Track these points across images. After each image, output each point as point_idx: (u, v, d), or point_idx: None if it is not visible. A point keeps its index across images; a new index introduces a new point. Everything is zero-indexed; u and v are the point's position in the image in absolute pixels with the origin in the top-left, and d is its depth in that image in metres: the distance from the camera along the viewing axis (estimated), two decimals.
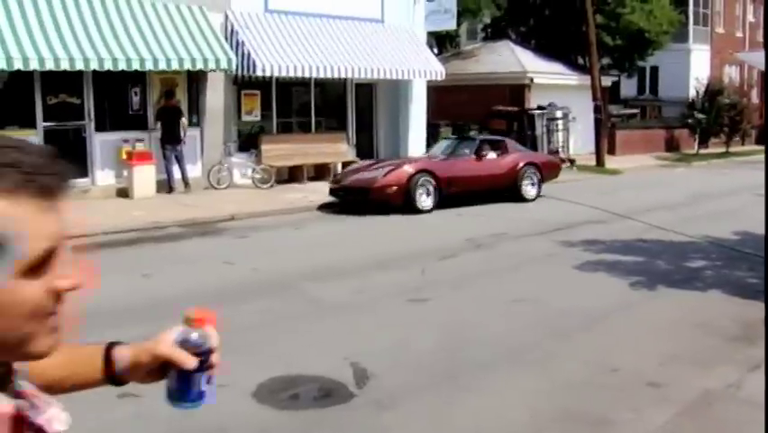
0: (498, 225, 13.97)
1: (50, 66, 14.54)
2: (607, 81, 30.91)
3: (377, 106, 22.74)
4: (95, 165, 16.72)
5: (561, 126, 27.12)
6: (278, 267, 10.35)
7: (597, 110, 26.70)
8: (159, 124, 16.92)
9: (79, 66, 14.88)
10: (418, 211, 15.22)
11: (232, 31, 18.11)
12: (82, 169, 16.45)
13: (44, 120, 15.97)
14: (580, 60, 33.27)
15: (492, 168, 16.88)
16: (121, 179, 16.62)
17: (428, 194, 15.60)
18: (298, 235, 12.99)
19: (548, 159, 19.44)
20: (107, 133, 16.91)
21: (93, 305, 8.75)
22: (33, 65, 14.37)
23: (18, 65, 14.19)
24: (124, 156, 16.68)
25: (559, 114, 26.98)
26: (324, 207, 15.91)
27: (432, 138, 23.60)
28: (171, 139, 16.90)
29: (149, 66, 15.76)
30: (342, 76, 19.44)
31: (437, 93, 24.60)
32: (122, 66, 15.36)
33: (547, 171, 18.18)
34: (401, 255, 11.08)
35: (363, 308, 8.29)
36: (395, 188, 15.18)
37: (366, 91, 22.34)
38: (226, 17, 18.21)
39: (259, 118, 19.76)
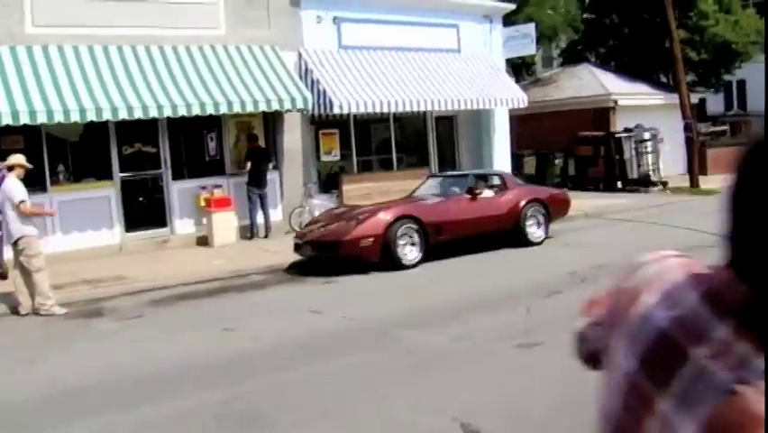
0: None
1: (123, 115, 14.18)
2: (693, 98, 29.61)
3: (458, 139, 22.02)
4: (173, 214, 16.30)
5: (650, 148, 25.97)
6: (368, 313, 9.60)
7: (687, 128, 25.48)
8: (248, 165, 16.45)
9: (153, 113, 14.49)
10: (401, 266, 12.64)
11: (306, 69, 17.61)
12: (161, 218, 16.04)
13: (121, 171, 15.64)
14: (663, 79, 32.22)
15: (489, 208, 14.25)
16: (200, 227, 16.15)
17: (413, 244, 13.01)
18: (386, 278, 12.24)
19: (555, 193, 16.29)
20: (185, 181, 16.50)
21: (171, 364, 8.34)
22: (107, 115, 14.02)
23: (91, 116, 13.86)
24: (203, 203, 16.23)
25: (647, 135, 25.86)
26: None
27: (516, 169, 22.75)
28: (258, 182, 16.44)
29: (223, 109, 15.30)
30: (422, 109, 18.76)
31: (518, 122, 23.82)
32: (196, 111, 14.93)
33: (555, 208, 15.39)
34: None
35: (466, 357, 7.45)
36: (370, 239, 12.55)
37: (446, 124, 21.65)
38: (300, 56, 17.73)
39: (338, 158, 19.17)
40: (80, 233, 15.11)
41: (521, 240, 14.40)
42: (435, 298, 10.34)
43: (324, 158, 18.95)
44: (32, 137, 14.62)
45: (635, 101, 28.23)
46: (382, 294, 10.97)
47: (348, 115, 18.36)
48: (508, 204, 14.50)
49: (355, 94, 17.43)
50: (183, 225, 16.30)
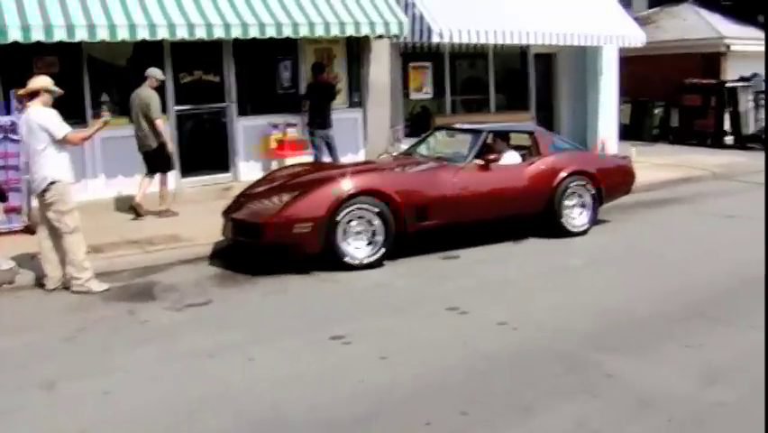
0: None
1: (182, 34, 11.39)
2: None
3: (557, 81, 19.02)
4: (237, 157, 13.59)
5: None
6: (531, 317, 6.82)
7: None
8: (307, 105, 13.69)
9: (218, 33, 11.69)
10: (346, 266, 8.54)
11: None
12: (223, 161, 13.34)
13: (176, 103, 12.93)
14: None
15: (507, 180, 9.91)
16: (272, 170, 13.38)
17: (372, 236, 8.78)
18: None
19: (611, 164, 11.51)
20: (252, 118, 13.73)
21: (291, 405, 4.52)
22: (162, 33, 11.24)
23: (143, 34, 11.10)
24: (274, 145, 13.53)
25: None
26: None
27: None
28: (321, 123, 13.62)
29: (303, 32, 12.43)
30: (530, 41, 15.70)
31: None
32: (270, 32, 12.08)
33: (610, 185, 10.81)
34: None
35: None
36: (307, 225, 8.43)
37: (543, 62, 18.66)
38: None
39: (430, 95, 16.34)
40: (126, 177, 12.45)
41: (554, 228, 10.26)
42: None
43: (414, 95, 16.14)
44: (69, 59, 11.94)
45: (749, 46, 24.91)
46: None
47: (443, 46, 15.49)
48: (538, 176, 10.14)
49: (457, 22, 14.48)
50: (249, 171, 13.51)
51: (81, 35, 10.69)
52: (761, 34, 26.24)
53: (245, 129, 13.60)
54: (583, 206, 10.53)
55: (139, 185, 11.66)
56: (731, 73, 23.84)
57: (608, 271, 8.55)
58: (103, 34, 10.81)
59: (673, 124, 23.77)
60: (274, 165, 13.43)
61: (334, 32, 12.72)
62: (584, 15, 16.97)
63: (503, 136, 10.89)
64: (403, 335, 6.35)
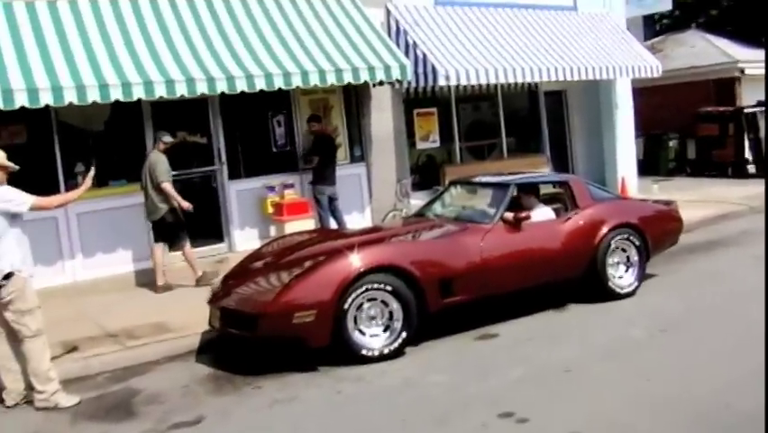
0: None
1: (161, 92, 10.05)
2: None
3: (570, 117, 17.77)
4: (231, 224, 12.23)
5: None
6: (611, 421, 5.38)
7: None
8: (315, 160, 12.32)
9: (202, 89, 10.36)
10: (363, 358, 7.07)
11: (397, 30, 13.45)
12: (215, 230, 11.99)
13: None
14: None
15: (544, 241, 8.46)
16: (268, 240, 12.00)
17: (389, 319, 7.28)
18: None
19: (656, 212, 9.92)
20: (245, 180, 12.42)
21: None
22: (138, 92, 9.91)
23: (116, 94, 9.77)
24: (271, 209, 12.16)
25: None
26: None
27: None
28: (330, 178, 12.30)
29: (296, 82, 11.10)
30: (542, 79, 14.37)
31: None
32: (260, 84, 10.76)
33: (657, 236, 9.41)
34: None
35: None
36: (310, 312, 6.91)
37: (554, 100, 17.42)
38: (388, 13, 13.60)
39: (437, 144, 15.01)
40: (106, 254, 11.15)
41: (597, 291, 8.80)
42: None
43: (421, 144, 14.80)
44: (37, 126, 10.74)
45: (763, 70, 23.71)
46: None
47: (449, 89, 14.24)
48: (578, 234, 8.70)
49: (464, 62, 13.21)
50: (245, 239, 12.19)
51: (46, 99, 9.36)
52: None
53: (238, 193, 12.26)
54: (629, 262, 9.10)
55: (154, 262, 10.75)
56: (746, 98, 22.70)
57: (679, 342, 7.11)
58: (70, 97, 9.49)
59: (690, 156, 22.50)
60: (272, 231, 12.11)
61: (331, 80, 11.38)
62: (595, 47, 15.76)
63: (530, 189, 9.45)
64: None
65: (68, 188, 10.64)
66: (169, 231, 10.73)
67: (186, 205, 10.55)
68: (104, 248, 11.13)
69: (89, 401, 6.64)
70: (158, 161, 10.53)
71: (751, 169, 21.13)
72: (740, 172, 20.98)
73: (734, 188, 18.11)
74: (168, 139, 10.78)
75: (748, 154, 21.32)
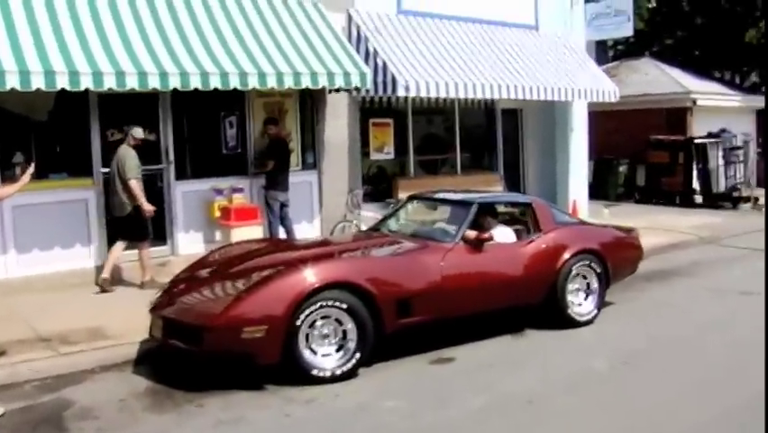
0: None
1: (110, 84, 9.55)
2: None
3: (524, 138, 17.59)
4: (176, 227, 11.74)
5: (741, 157, 21.84)
6: None
7: None
8: (271, 164, 11.89)
9: (153, 83, 9.87)
10: (312, 379, 6.65)
11: (358, 37, 13.10)
12: (158, 232, 11.47)
13: (104, 164, 10.99)
14: (728, 77, 28.20)
15: (505, 264, 8.15)
16: (212, 245, 11.49)
17: (343, 339, 6.89)
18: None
19: (617, 238, 9.67)
20: (193, 182, 11.92)
21: None
22: (86, 82, 9.39)
23: (63, 82, 9.24)
24: (218, 213, 11.69)
25: (739, 141, 21.77)
26: None
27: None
28: (281, 185, 11.89)
29: (252, 83, 10.68)
30: (503, 96, 14.10)
31: None
32: (214, 83, 10.32)
33: (618, 263, 9.19)
34: None
35: None
36: (261, 328, 6.47)
37: (510, 118, 17.23)
38: (350, 18, 13.24)
39: (392, 155, 14.68)
40: (43, 251, 10.58)
41: (555, 317, 8.54)
42: None
43: (375, 155, 14.45)
44: None
45: (713, 101, 23.97)
46: None
47: (405, 100, 13.93)
48: (540, 258, 8.41)
49: (424, 73, 12.91)
50: (190, 242, 11.73)
51: None
52: (723, 89, 25.52)
53: (184, 195, 11.77)
54: (589, 289, 8.85)
55: (108, 256, 10.32)
56: (697, 128, 22.92)
57: (644, 375, 6.86)
58: (13, 81, 8.93)
59: (639, 183, 22.67)
60: (218, 236, 11.64)
61: (288, 83, 10.99)
62: (556, 68, 15.61)
63: (490, 208, 9.15)
64: None
65: (4, 180, 10.11)
66: (133, 229, 10.33)
67: (148, 208, 10.19)
68: (40, 244, 10.55)
69: (15, 413, 6.12)
70: (127, 156, 10.15)
71: (698, 199, 21.28)
72: (687, 201, 21.15)
73: (682, 217, 18.21)
74: (139, 134, 10.39)
75: (696, 184, 21.47)
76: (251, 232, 11.20)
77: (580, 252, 8.66)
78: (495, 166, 16.71)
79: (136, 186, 10.13)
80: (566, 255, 8.53)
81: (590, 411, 5.98)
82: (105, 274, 10.19)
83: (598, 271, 8.82)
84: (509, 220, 9.27)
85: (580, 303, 8.75)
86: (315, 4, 12.43)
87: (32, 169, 6.86)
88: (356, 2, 13.37)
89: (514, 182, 17.10)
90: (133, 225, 10.31)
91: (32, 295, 9.87)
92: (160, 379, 6.89)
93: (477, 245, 7.98)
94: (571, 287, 8.61)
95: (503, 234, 8.59)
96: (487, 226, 8.57)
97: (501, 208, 9.52)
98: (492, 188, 14.73)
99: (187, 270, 8.17)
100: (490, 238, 8.07)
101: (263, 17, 11.66)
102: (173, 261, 11.25)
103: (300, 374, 6.62)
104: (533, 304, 8.41)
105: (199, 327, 6.54)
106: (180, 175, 11.81)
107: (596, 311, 8.80)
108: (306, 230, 12.66)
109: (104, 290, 10.11)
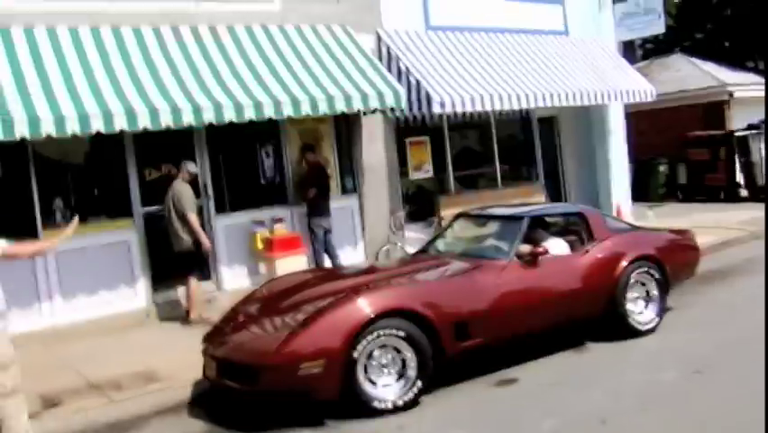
0: None
1: (144, 123, 9.44)
2: None
3: (562, 144, 17.29)
4: (219, 262, 11.60)
5: None
6: None
7: None
8: (313, 192, 11.75)
9: (188, 119, 9.76)
10: (374, 411, 6.43)
11: (389, 56, 12.93)
12: (201, 268, 11.35)
13: (143, 204, 10.96)
14: (761, 66, 27.72)
15: (563, 278, 7.89)
16: (257, 278, 11.42)
17: (402, 367, 6.66)
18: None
19: (673, 242, 9.29)
20: (233, 215, 11.81)
21: None
22: (120, 123, 9.29)
23: (97, 125, 9.14)
24: (260, 245, 11.54)
25: None
26: None
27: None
28: (324, 212, 11.76)
29: (287, 111, 10.53)
30: (543, 104, 13.88)
31: None
32: (249, 114, 10.18)
33: (676, 267, 8.85)
34: None
35: None
36: (319, 364, 6.27)
37: (546, 126, 16.98)
38: (378, 38, 13.08)
39: (431, 173, 14.47)
40: (88, 296, 10.49)
41: (616, 328, 8.23)
42: None
43: (414, 175, 14.25)
44: (12, 160, 10.12)
45: (750, 92, 23.49)
46: None
47: (440, 116, 13.73)
48: (597, 268, 8.13)
49: (458, 88, 12.71)
50: (234, 277, 11.61)
51: (21, 131, 8.72)
52: (759, 79, 25.03)
53: (226, 229, 11.65)
54: (648, 297, 8.55)
55: (189, 294, 10.38)
56: (735, 122, 22.45)
57: (720, 385, 6.52)
58: (48, 128, 8.85)
59: (681, 181, 22.25)
60: (262, 268, 11.49)
61: (323, 108, 10.84)
62: (589, 71, 15.35)
63: (541, 221, 8.89)
64: None
65: (45, 227, 10.06)
66: (189, 263, 10.30)
67: (206, 243, 10.21)
68: (85, 289, 10.47)
69: None
70: (182, 192, 10.18)
71: (743, 193, 20.83)
72: (732, 197, 20.69)
73: (729, 213, 17.72)
74: (193, 168, 10.44)
75: (739, 178, 21.03)
76: (295, 261, 11.02)
77: (637, 258, 8.37)
78: (535, 176, 16.45)
79: (195, 220, 10.12)
80: (623, 263, 8.25)
81: (664, 427, 5.67)
82: (194, 315, 10.18)
83: (657, 277, 8.52)
84: (559, 231, 9.01)
85: (640, 312, 8.45)
86: (343, 26, 12.30)
87: (75, 221, 6.70)
88: (384, 21, 13.22)
89: (555, 191, 16.82)
90: (192, 259, 10.30)
91: (80, 341, 9.76)
92: (217, 420, 6.71)
93: (532, 260, 7.74)
94: (630, 295, 8.32)
95: (557, 246, 8.34)
96: (538, 239, 8.32)
97: (550, 220, 9.25)
98: (535, 199, 14.46)
99: (236, 307, 7.99)
100: (546, 252, 7.82)
101: (293, 44, 11.55)
102: (218, 296, 11.13)
103: (361, 407, 6.42)
104: (593, 316, 8.12)
105: (255, 366, 6.36)
106: (220, 209, 11.70)
107: (657, 319, 8.50)
108: (350, 255, 12.47)
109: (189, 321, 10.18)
